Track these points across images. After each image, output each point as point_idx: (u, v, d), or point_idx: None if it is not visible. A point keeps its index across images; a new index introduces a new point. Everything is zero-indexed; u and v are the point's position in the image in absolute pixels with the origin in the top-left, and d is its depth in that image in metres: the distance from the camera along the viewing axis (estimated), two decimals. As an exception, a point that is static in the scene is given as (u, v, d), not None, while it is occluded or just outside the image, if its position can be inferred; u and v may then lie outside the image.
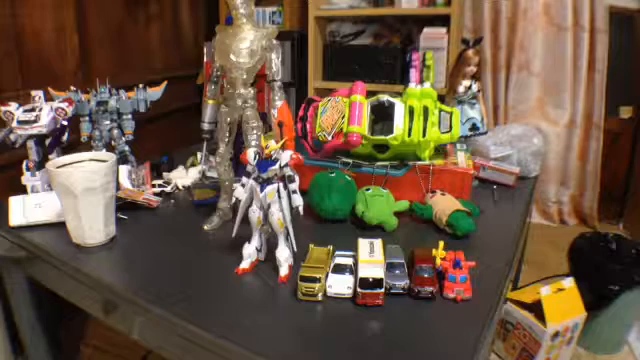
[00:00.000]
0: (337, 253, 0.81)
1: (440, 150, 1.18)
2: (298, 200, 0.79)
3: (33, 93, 1.10)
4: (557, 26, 2.32)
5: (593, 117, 2.37)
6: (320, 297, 0.73)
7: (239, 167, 1.04)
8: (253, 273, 0.83)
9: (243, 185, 0.80)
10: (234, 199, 0.81)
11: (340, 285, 0.74)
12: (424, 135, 1.02)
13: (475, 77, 1.31)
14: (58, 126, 1.08)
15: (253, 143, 0.94)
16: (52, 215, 0.99)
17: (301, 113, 1.18)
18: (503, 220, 1.09)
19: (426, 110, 1.03)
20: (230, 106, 0.95)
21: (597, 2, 2.22)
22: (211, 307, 0.73)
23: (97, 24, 1.84)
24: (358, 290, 0.71)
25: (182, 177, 1.27)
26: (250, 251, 0.83)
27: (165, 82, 1.23)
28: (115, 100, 1.18)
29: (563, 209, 2.54)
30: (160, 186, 1.21)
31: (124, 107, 1.19)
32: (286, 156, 0.78)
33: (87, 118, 1.17)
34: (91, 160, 0.96)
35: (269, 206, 0.78)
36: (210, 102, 1.10)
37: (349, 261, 0.78)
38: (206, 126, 1.14)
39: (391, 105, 1.05)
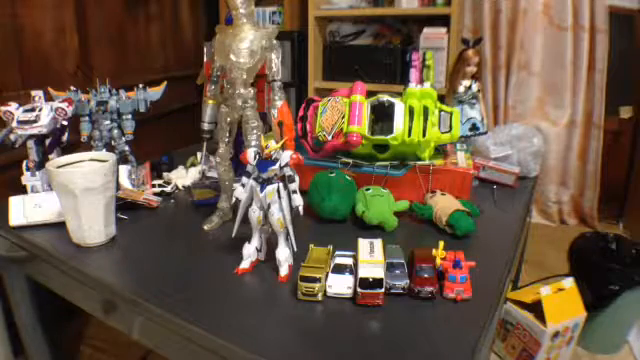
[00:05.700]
0: (337, 253, 0.81)
1: (440, 150, 1.18)
2: (298, 200, 0.79)
3: (33, 93, 1.09)
4: (557, 26, 2.32)
5: (593, 117, 2.37)
6: (320, 297, 0.73)
7: (239, 167, 1.04)
8: (253, 273, 0.83)
9: (243, 185, 0.80)
10: (234, 199, 0.81)
11: (340, 285, 0.74)
12: (424, 135, 1.02)
13: (475, 77, 1.31)
14: (58, 126, 1.08)
15: (253, 143, 0.94)
16: (52, 215, 0.99)
17: (301, 113, 1.18)
18: (503, 220, 1.09)
19: (426, 110, 1.03)
20: (230, 106, 0.95)
21: (597, 2, 2.22)
22: (211, 307, 0.73)
23: (97, 24, 1.84)
24: (358, 290, 0.71)
25: (182, 177, 1.27)
26: (250, 251, 0.83)
27: (165, 82, 1.23)
28: (115, 100, 1.17)
29: (563, 209, 2.54)
30: (160, 186, 1.20)
31: (124, 107, 1.19)
32: (286, 156, 0.78)
33: (87, 118, 1.17)
34: (91, 160, 0.96)
35: (269, 206, 0.78)
36: (210, 102, 1.10)
37: (349, 261, 0.78)
38: (206, 126, 1.14)
39: (391, 105, 1.04)
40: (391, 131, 1.02)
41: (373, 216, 0.96)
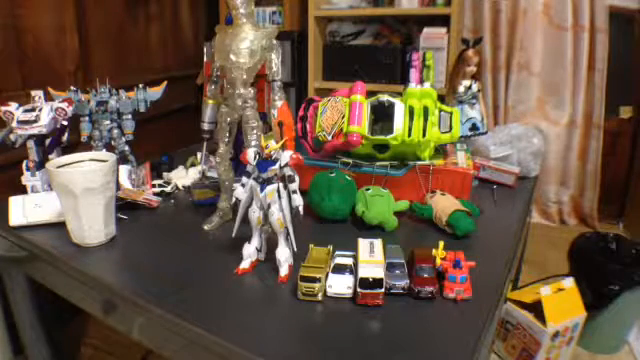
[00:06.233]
0: (337, 253, 0.81)
1: (440, 150, 1.18)
2: (298, 200, 0.79)
3: (33, 93, 1.10)
4: (557, 26, 2.32)
5: (593, 117, 2.37)
6: (320, 297, 0.73)
7: (239, 167, 1.04)
8: (253, 273, 0.83)
9: (243, 185, 0.80)
10: (234, 199, 0.81)
11: (340, 285, 0.74)
12: (424, 135, 1.02)
13: (475, 77, 1.32)
14: (58, 126, 1.08)
15: (253, 143, 0.94)
16: (52, 215, 0.99)
17: (301, 113, 1.18)
18: (503, 220, 1.09)
19: (426, 110, 1.03)
20: (230, 106, 0.95)
21: (597, 2, 2.22)
22: (211, 307, 0.73)
23: (97, 24, 1.84)
24: (358, 290, 0.71)
25: (182, 177, 1.27)
26: (250, 251, 0.83)
27: (165, 82, 1.23)
28: (115, 100, 1.17)
29: (563, 209, 2.54)
30: (160, 186, 1.21)
31: (124, 107, 1.19)
32: (286, 156, 0.78)
33: (87, 118, 1.17)
34: (91, 160, 0.96)
35: (269, 206, 0.78)
36: (210, 102, 1.10)
37: (349, 261, 0.78)
38: (206, 126, 1.14)
39: (391, 105, 1.04)
40: (391, 131, 1.02)
41: (373, 216, 0.96)
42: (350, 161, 1.08)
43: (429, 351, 0.63)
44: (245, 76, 0.93)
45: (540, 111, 2.46)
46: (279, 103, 0.96)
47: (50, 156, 1.08)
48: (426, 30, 2.15)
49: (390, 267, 0.77)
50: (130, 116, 1.20)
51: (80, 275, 0.86)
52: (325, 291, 0.74)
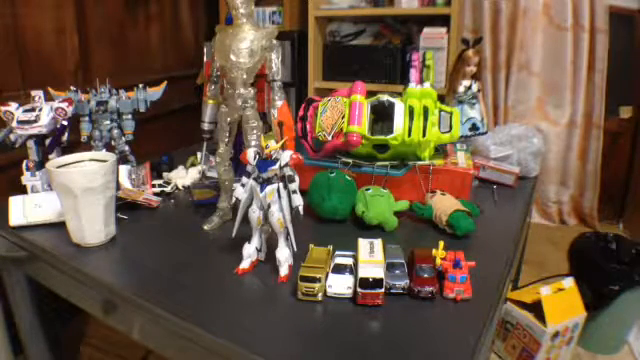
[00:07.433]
0: (337, 253, 0.82)
1: (440, 150, 1.18)
2: (298, 200, 0.79)
3: (33, 93, 1.10)
4: (557, 26, 2.32)
5: (593, 117, 2.37)
6: (320, 297, 0.73)
7: (239, 167, 1.05)
8: (253, 273, 0.83)
9: (243, 185, 0.80)
10: (234, 199, 0.81)
11: (340, 285, 0.75)
12: (424, 135, 1.02)
13: (475, 77, 1.32)
14: (58, 126, 1.08)
15: (253, 143, 0.94)
16: (52, 215, 0.99)
17: (301, 113, 1.18)
18: (503, 220, 1.09)
19: (426, 110, 1.03)
20: (230, 106, 0.95)
21: (597, 2, 2.22)
22: (211, 307, 0.73)
23: (97, 24, 1.84)
24: (358, 290, 0.71)
25: (182, 177, 1.27)
26: (250, 251, 0.83)
27: (165, 82, 1.23)
28: (115, 100, 1.18)
29: (563, 209, 2.54)
30: (160, 186, 1.21)
31: (124, 107, 1.19)
32: (286, 156, 0.78)
33: (87, 118, 1.17)
34: (91, 160, 0.96)
35: (269, 206, 0.78)
36: (210, 102, 1.10)
37: (349, 261, 0.78)
38: (206, 126, 1.14)
39: (391, 105, 1.04)
40: (391, 131, 1.02)
41: (373, 216, 0.96)
42: (350, 161, 1.08)
43: (429, 351, 0.63)
44: (245, 76, 0.93)
45: (540, 111, 2.46)
46: (279, 103, 0.96)
47: (50, 156, 1.08)
48: (426, 30, 2.15)
49: (390, 267, 0.77)
50: (130, 116, 1.20)
51: (80, 275, 0.86)
52: (325, 291, 0.74)
